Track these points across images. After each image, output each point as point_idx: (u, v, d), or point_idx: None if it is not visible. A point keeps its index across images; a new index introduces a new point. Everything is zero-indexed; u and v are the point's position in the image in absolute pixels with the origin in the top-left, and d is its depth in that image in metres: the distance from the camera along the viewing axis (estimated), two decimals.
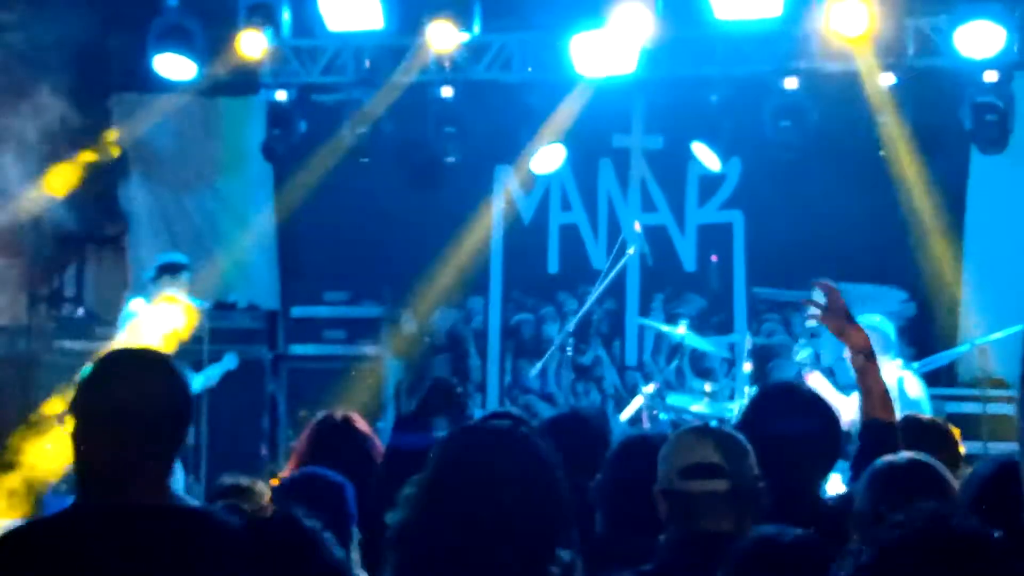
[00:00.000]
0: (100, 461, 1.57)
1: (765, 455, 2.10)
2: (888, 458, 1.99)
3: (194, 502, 1.67)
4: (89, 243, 6.69)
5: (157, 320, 5.15)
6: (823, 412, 2.37)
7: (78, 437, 1.59)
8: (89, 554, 1.50)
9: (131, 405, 1.57)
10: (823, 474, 2.37)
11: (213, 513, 1.66)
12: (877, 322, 4.91)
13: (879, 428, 2.41)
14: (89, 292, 6.68)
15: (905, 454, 2.02)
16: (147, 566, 1.50)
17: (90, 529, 1.54)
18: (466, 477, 1.33)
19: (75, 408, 1.60)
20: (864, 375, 2.45)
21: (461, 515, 1.30)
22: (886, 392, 2.47)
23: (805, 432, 2.26)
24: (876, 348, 4.98)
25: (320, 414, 2.94)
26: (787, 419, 2.28)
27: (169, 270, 5.27)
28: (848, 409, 4.41)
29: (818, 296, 2.54)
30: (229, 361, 5.58)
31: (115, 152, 6.34)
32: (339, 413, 2.91)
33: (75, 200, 6.42)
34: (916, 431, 2.83)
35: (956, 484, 1.96)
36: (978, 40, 5.22)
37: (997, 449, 4.96)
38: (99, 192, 6.48)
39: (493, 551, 1.28)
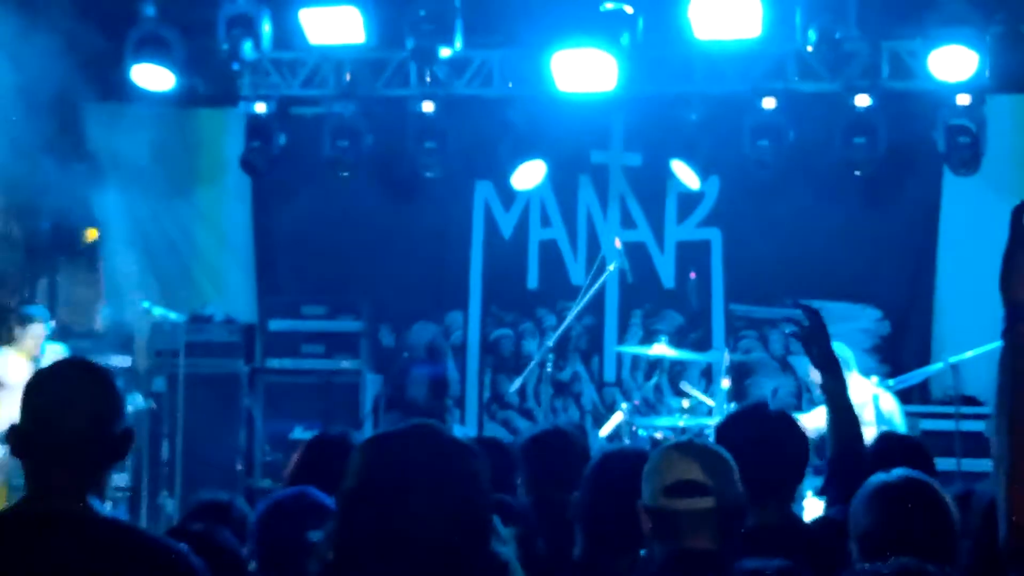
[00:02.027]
0: (25, 468, 1.61)
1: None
2: (882, 477, 1.99)
3: (109, 513, 1.65)
4: (62, 254, 6.59)
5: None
6: (790, 431, 2.39)
7: (11, 443, 1.64)
8: None
9: (50, 414, 1.61)
10: (789, 493, 2.38)
11: (123, 525, 1.65)
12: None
13: (849, 454, 2.44)
14: (62, 304, 6.57)
15: (898, 471, 2.02)
16: (40, 571, 1.52)
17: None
18: (377, 489, 1.28)
19: (19, 415, 1.65)
20: (831, 398, 2.47)
21: (378, 531, 1.26)
22: (853, 413, 2.51)
23: (772, 452, 2.29)
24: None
25: (316, 431, 2.90)
26: (755, 438, 2.30)
27: (20, 321, 5.36)
28: (813, 421, 4.46)
29: (802, 318, 2.58)
30: (131, 401, 5.53)
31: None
32: (335, 430, 2.87)
33: (48, 210, 6.33)
34: (891, 448, 2.85)
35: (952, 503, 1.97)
36: (951, 64, 5.33)
37: (970, 467, 5.03)
38: (74, 202, 6.39)
39: (418, 560, 1.25)
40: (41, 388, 1.64)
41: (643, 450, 2.53)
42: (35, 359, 5.35)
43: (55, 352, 5.46)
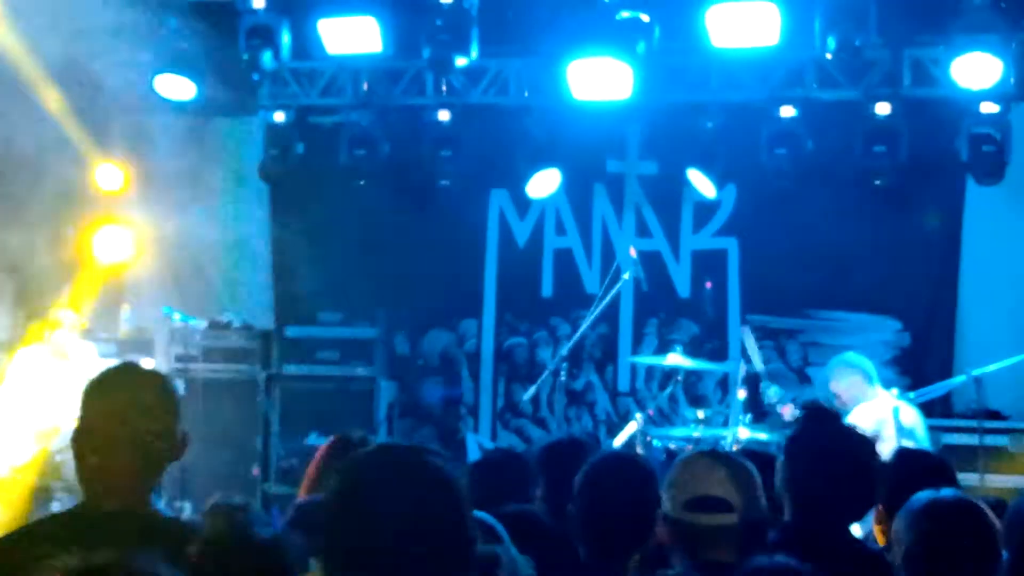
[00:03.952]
0: (87, 468, 1.66)
1: (801, 487, 2.11)
2: (931, 494, 1.94)
3: (170, 513, 1.67)
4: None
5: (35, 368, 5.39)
6: (865, 450, 2.31)
7: (74, 445, 1.69)
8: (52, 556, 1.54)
9: (114, 416, 1.66)
10: (858, 511, 2.31)
11: (185, 524, 1.69)
12: (854, 359, 4.91)
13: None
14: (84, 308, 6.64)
15: (948, 490, 1.98)
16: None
17: (62, 533, 1.60)
18: (354, 507, 1.28)
19: (78, 418, 1.70)
20: None
21: (359, 549, 1.26)
22: None
23: (845, 468, 2.22)
24: (860, 389, 4.93)
25: (334, 435, 2.92)
26: (829, 454, 2.23)
27: (49, 324, 5.49)
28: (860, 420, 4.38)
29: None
30: None
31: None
32: (355, 433, 2.89)
33: (73, 216, 6.42)
34: (911, 465, 2.78)
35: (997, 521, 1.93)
36: (975, 71, 5.23)
37: (993, 482, 4.93)
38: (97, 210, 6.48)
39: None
40: (103, 391, 1.68)
41: (633, 455, 2.49)
42: (64, 359, 5.45)
43: (86, 351, 5.56)
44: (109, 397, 1.66)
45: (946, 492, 1.96)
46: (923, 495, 1.94)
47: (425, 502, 1.27)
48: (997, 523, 1.92)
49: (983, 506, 1.94)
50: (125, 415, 1.63)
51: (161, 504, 1.68)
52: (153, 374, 1.74)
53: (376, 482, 1.28)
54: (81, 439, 1.66)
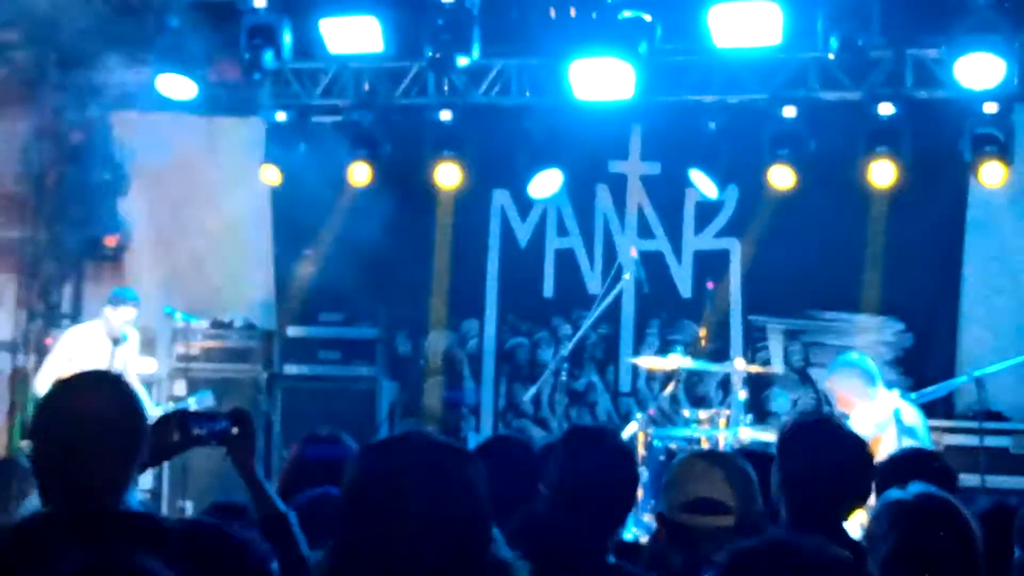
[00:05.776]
0: (54, 473, 1.67)
1: (796, 486, 2.11)
2: (898, 494, 1.92)
3: (142, 509, 1.70)
4: (88, 260, 6.71)
5: (85, 345, 5.42)
6: (857, 447, 2.30)
7: (36, 452, 1.69)
8: (39, 557, 1.57)
9: (81, 421, 1.67)
10: (852, 509, 2.30)
11: (156, 517, 1.70)
12: (855, 359, 4.90)
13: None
14: (87, 309, 6.68)
15: (914, 487, 1.95)
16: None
17: (44, 534, 1.61)
18: (373, 499, 1.28)
19: (34, 426, 1.71)
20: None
21: (376, 542, 1.26)
22: None
23: (839, 466, 2.21)
24: (861, 390, 4.93)
25: (307, 433, 2.94)
26: (822, 452, 2.22)
27: (111, 301, 5.51)
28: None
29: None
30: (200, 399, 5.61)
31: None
32: (324, 431, 2.91)
33: (75, 216, 6.44)
34: (910, 465, 2.78)
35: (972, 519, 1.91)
36: (978, 72, 5.21)
37: (995, 483, 4.92)
38: (99, 209, 6.50)
39: (417, 568, 1.25)
40: (65, 395, 1.71)
41: (610, 429, 2.50)
42: (116, 340, 5.43)
43: (134, 336, 5.56)
44: (67, 403, 1.68)
45: (913, 489, 1.94)
46: (891, 495, 1.93)
47: (444, 500, 1.26)
48: (971, 517, 1.90)
49: (955, 501, 1.93)
50: (87, 419, 1.65)
51: (135, 502, 1.68)
52: (109, 376, 1.78)
53: (395, 479, 1.27)
54: (42, 446, 1.67)
